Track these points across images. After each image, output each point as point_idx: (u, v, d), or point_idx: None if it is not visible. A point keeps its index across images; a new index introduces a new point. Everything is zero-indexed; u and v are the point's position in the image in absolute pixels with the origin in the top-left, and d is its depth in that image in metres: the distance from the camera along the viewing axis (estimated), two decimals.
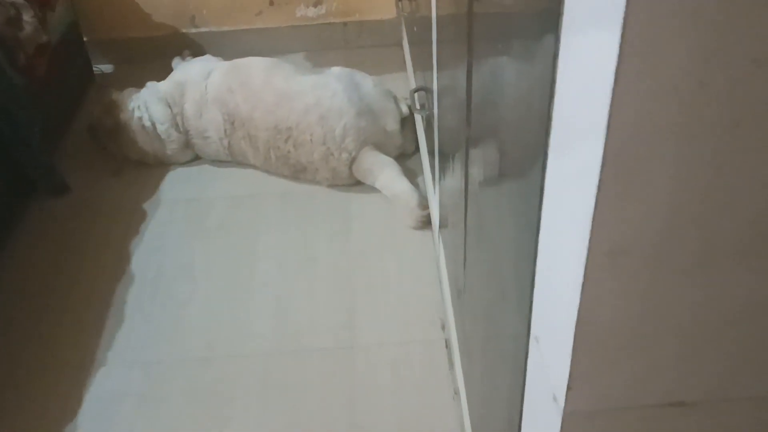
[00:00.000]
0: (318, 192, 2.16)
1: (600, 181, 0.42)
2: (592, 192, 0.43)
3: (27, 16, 2.04)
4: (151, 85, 2.33)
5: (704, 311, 0.51)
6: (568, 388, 0.53)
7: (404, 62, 2.72)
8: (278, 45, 2.79)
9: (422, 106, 1.92)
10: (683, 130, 0.41)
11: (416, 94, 1.97)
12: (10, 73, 1.97)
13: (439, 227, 1.67)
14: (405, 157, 2.24)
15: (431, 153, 1.86)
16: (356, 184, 2.16)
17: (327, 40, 2.85)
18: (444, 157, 1.47)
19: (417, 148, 2.26)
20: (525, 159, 0.63)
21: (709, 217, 0.46)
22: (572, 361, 0.51)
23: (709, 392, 0.55)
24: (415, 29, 2.06)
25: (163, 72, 2.64)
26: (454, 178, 1.26)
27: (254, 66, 2.25)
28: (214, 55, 2.57)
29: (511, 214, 0.71)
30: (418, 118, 2.16)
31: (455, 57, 1.16)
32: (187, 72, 2.32)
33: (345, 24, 2.83)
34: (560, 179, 0.51)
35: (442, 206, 1.61)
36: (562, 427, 0.55)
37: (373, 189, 2.13)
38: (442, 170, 1.53)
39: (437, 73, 1.46)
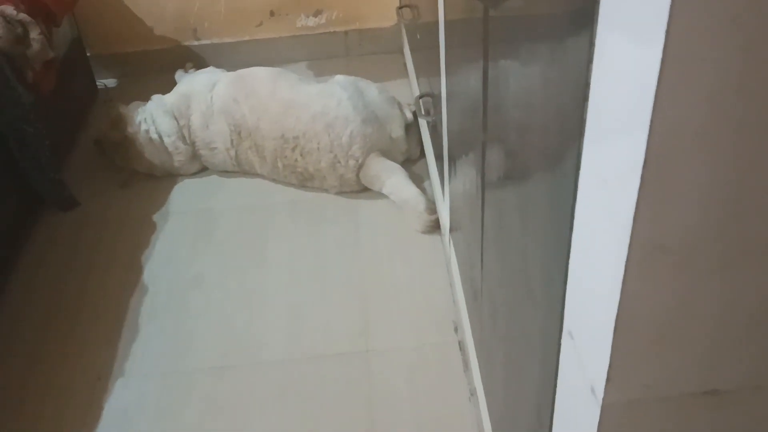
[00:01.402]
0: (326, 199, 2.18)
1: (642, 180, 0.44)
2: (634, 191, 0.45)
3: (34, 34, 2.06)
4: (157, 98, 2.36)
5: (737, 303, 0.54)
6: (607, 380, 0.55)
7: (405, 69, 2.75)
8: (280, 55, 2.82)
9: (428, 112, 1.94)
10: (720, 131, 0.44)
11: (421, 100, 1.99)
12: (19, 90, 1.99)
13: (450, 231, 1.70)
14: (410, 163, 2.27)
15: (439, 158, 1.88)
16: (363, 190, 2.18)
17: (328, 49, 2.88)
18: (454, 161, 1.49)
19: (422, 153, 2.28)
20: (553, 160, 0.65)
21: (743, 215, 0.48)
22: (611, 353, 0.53)
23: (742, 381, 0.57)
24: (418, 36, 2.09)
25: (166, 85, 2.66)
26: (468, 182, 1.29)
27: (259, 76, 2.27)
28: (216, 66, 2.60)
29: (537, 215, 0.73)
30: (423, 123, 2.18)
31: (468, 61, 1.18)
32: (192, 84, 2.34)
33: (346, 33, 2.85)
34: (596, 179, 0.53)
35: (452, 210, 1.63)
36: (600, 419, 0.57)
37: (380, 195, 2.15)
38: (453, 174, 1.55)
39: (446, 78, 1.48)
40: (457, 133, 1.43)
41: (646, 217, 0.46)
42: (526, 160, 0.79)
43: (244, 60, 2.76)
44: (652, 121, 0.42)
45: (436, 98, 1.81)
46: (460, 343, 1.70)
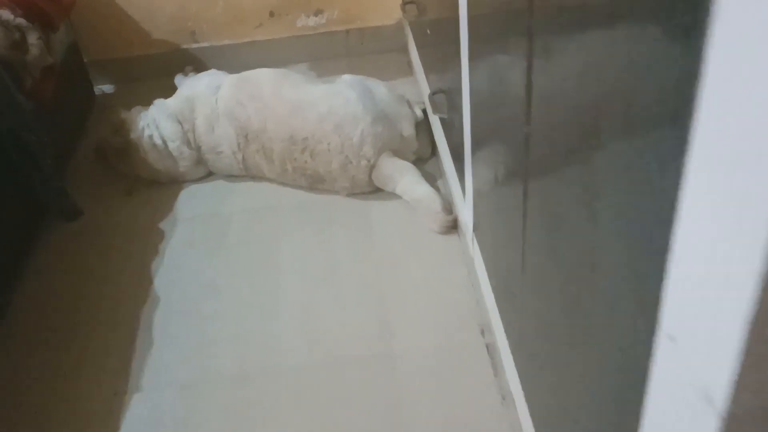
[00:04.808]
0: (336, 201, 2.13)
1: None
2: None
3: (32, 39, 2.00)
4: (159, 103, 2.29)
5: None
6: (731, 388, 0.50)
7: (410, 66, 2.70)
8: (280, 56, 2.76)
9: (441, 109, 1.89)
10: None
11: (434, 97, 1.94)
12: (18, 97, 1.92)
13: (474, 230, 1.64)
14: (422, 162, 2.21)
15: (456, 155, 1.83)
16: (375, 191, 2.13)
17: (329, 49, 2.82)
18: (480, 157, 1.44)
19: (433, 152, 2.23)
20: (645, 145, 0.60)
21: None
22: (739, 359, 0.48)
23: None
24: (428, 32, 2.03)
25: (165, 90, 2.60)
26: (502, 177, 1.23)
27: (263, 78, 2.21)
28: (217, 69, 2.54)
29: (618, 208, 0.68)
30: (435, 121, 2.13)
31: (502, 53, 1.13)
32: (195, 87, 2.28)
33: (347, 32, 2.80)
34: (715, 163, 0.47)
35: (477, 208, 1.57)
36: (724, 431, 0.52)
37: (392, 195, 2.10)
38: (478, 171, 1.50)
39: (469, 72, 1.43)
40: (484, 127, 1.37)
41: None
42: (596, 149, 0.73)
43: (244, 62, 2.70)
44: None
45: (452, 94, 1.76)
46: (488, 345, 1.64)
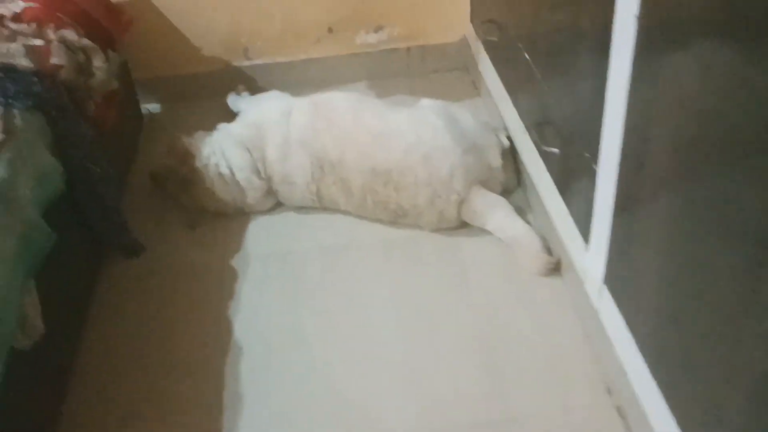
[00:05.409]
0: (422, 237, 1.96)
1: None
2: None
3: (98, 62, 1.83)
4: (224, 128, 2.13)
5: None
6: None
7: (475, 87, 2.55)
8: (338, 74, 2.61)
9: (552, 142, 1.73)
10: None
11: (541, 128, 1.79)
12: (83, 126, 1.75)
13: (606, 280, 1.48)
14: (506, 193, 2.04)
15: (570, 193, 1.67)
16: (462, 226, 1.97)
17: (389, 67, 2.66)
18: (644, 208, 1.27)
19: (518, 183, 2.07)
20: None
21: None
22: None
23: None
24: (526, 55, 1.87)
25: (215, 110, 2.45)
26: (695, 240, 1.08)
27: (339, 103, 2.05)
28: (270, 88, 2.38)
29: None
30: (526, 149, 1.97)
31: (727, 76, 0.98)
32: (264, 112, 2.12)
33: (408, 49, 2.64)
34: None
35: (617, 259, 1.41)
36: None
37: (482, 231, 1.94)
38: (633, 222, 1.34)
39: (627, 101, 1.25)
40: (651, 174, 1.21)
41: None
42: None
43: (298, 80, 2.57)
44: None
45: (571, 125, 1.61)
46: (618, 408, 1.49)
